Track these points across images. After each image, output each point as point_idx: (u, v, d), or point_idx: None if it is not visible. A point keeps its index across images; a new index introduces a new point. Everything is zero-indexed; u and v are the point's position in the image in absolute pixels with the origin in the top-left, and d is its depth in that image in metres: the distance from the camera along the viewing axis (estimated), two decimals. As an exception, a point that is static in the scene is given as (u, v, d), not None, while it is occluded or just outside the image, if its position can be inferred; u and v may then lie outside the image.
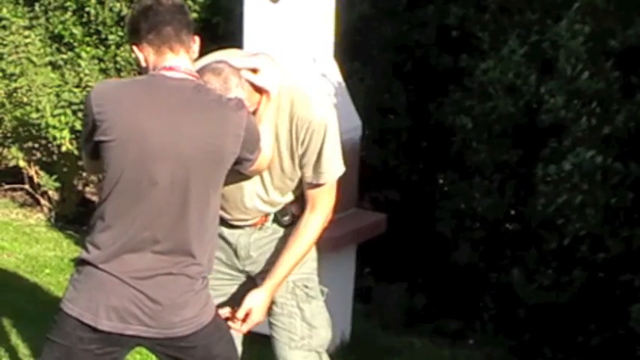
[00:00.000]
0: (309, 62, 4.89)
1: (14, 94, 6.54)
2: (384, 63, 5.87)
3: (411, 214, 5.75)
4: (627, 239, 4.51)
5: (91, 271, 3.01)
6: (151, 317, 3.01)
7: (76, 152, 6.33)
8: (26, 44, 6.55)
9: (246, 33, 4.93)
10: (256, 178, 3.39)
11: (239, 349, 3.54)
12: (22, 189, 6.98)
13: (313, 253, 3.59)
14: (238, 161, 3.11)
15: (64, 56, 6.63)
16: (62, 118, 6.28)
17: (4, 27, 6.65)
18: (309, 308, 3.54)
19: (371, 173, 5.47)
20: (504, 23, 5.21)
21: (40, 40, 6.63)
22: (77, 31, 6.59)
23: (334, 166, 3.45)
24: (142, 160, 2.96)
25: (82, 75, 6.41)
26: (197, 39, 3.13)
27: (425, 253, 5.67)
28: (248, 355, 3.68)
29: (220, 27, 6.10)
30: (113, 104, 2.98)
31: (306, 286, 3.54)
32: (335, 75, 5.00)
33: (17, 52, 6.51)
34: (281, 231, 3.49)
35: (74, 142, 6.29)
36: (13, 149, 6.73)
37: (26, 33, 6.59)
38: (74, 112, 6.24)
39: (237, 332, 3.43)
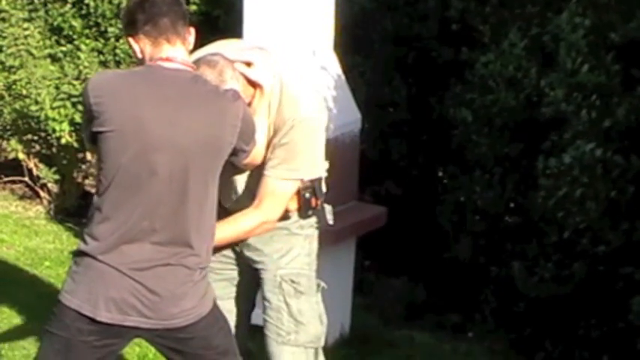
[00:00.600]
0: (309, 55, 4.88)
1: (13, 87, 6.52)
2: (384, 56, 5.86)
3: (412, 208, 5.74)
4: (628, 232, 4.51)
5: (89, 263, 3.01)
6: (150, 308, 3.01)
7: (75, 145, 6.32)
8: (25, 36, 6.53)
9: (246, 26, 4.92)
10: (244, 172, 3.40)
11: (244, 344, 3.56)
12: (21, 181, 6.97)
13: (306, 249, 3.59)
14: (234, 152, 3.12)
15: (64, 49, 6.61)
16: (62, 110, 6.26)
17: (3, 19, 6.63)
18: (297, 303, 3.53)
19: (371, 166, 5.47)
20: (505, 16, 5.20)
21: (40, 33, 6.61)
22: (76, 23, 6.58)
23: (308, 166, 3.43)
24: (142, 151, 2.96)
25: (81, 67, 6.40)
26: (192, 30, 3.14)
27: (425, 246, 5.67)
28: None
29: (220, 20, 6.09)
30: (111, 95, 2.97)
31: (294, 281, 3.54)
32: (335, 68, 4.99)
33: (16, 45, 6.50)
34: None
35: (74, 134, 6.28)
36: (13, 142, 6.71)
37: (25, 25, 6.57)
38: (74, 105, 6.23)
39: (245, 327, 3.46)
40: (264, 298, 3.56)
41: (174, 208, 3.00)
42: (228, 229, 3.38)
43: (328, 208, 3.71)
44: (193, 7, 6.31)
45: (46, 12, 6.70)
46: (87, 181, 6.82)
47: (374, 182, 5.68)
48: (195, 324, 3.07)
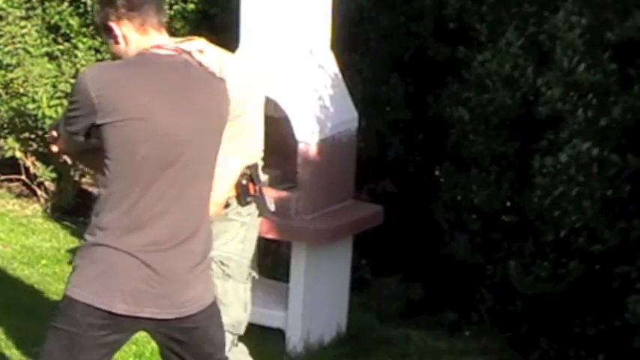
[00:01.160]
0: (306, 54, 4.89)
1: (10, 85, 6.52)
2: (381, 54, 5.86)
3: (408, 206, 5.74)
4: (624, 231, 4.51)
5: (101, 254, 2.99)
6: (163, 296, 3.02)
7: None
8: (23, 35, 6.52)
9: (242, 24, 4.92)
10: None
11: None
12: (18, 180, 6.97)
13: (241, 235, 3.63)
14: None
15: (61, 47, 6.61)
16: (59, 108, 6.26)
17: (0, 17, 6.63)
18: (223, 285, 3.59)
19: (368, 165, 5.47)
20: (502, 15, 5.20)
21: (37, 31, 6.61)
22: (74, 21, 6.57)
23: (247, 146, 3.52)
24: (152, 137, 2.96)
25: (78, 66, 6.39)
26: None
27: (422, 244, 5.67)
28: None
29: (217, 18, 6.08)
30: (114, 86, 2.96)
31: (223, 264, 3.60)
32: (332, 66, 4.99)
33: (14, 43, 6.49)
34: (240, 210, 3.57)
35: (71, 133, 6.28)
36: (10, 140, 6.71)
37: (23, 23, 6.57)
38: (71, 103, 6.22)
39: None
40: None
41: (184, 193, 3.03)
42: None
43: (270, 196, 3.79)
44: (191, 6, 6.31)
45: (44, 10, 6.69)
46: (84, 180, 6.81)
47: (370, 181, 5.68)
48: (200, 313, 3.10)
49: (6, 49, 6.49)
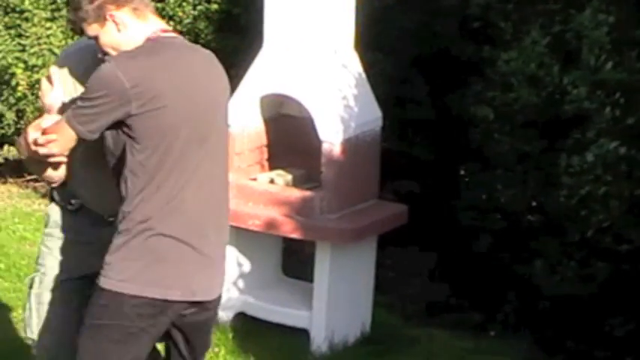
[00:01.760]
0: (330, 53, 4.88)
1: (36, 86, 6.55)
2: (405, 54, 5.85)
3: (432, 205, 5.72)
4: (651, 231, 4.48)
5: (146, 245, 2.99)
6: (208, 277, 3.07)
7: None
8: (48, 36, 6.56)
9: (266, 24, 4.92)
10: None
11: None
12: (44, 180, 6.99)
13: None
14: None
15: (86, 48, 6.63)
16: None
17: (26, 19, 6.67)
18: None
19: (392, 164, 5.45)
20: (527, 13, 5.17)
21: (62, 32, 6.64)
22: (98, 22, 6.59)
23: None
24: (191, 118, 3.00)
25: (103, 66, 6.41)
26: None
27: (446, 244, 5.65)
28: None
29: (241, 18, 6.09)
30: (148, 74, 2.96)
31: None
32: (356, 66, 4.98)
33: (39, 44, 6.53)
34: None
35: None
36: (35, 140, 6.74)
37: (48, 25, 6.60)
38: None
39: None
40: None
41: (218, 173, 3.09)
42: None
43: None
44: (214, 6, 6.32)
45: (68, 11, 6.71)
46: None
47: (394, 180, 5.66)
48: (218, 297, 3.16)
49: (32, 50, 6.53)
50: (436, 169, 5.87)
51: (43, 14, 6.64)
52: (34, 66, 6.55)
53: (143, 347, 3.07)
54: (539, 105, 5.02)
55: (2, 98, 6.79)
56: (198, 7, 6.33)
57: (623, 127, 4.44)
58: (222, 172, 3.13)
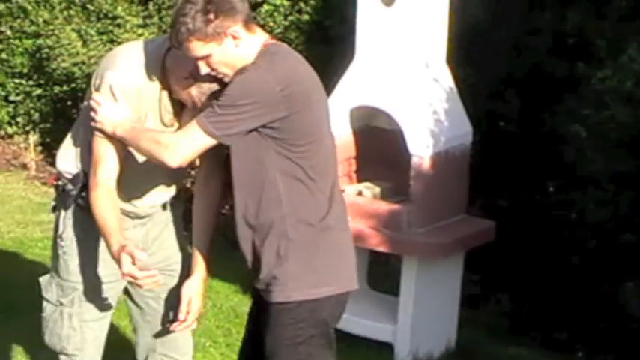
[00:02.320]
0: (422, 67, 4.86)
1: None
2: (497, 69, 5.80)
3: (521, 222, 5.66)
4: None
5: (320, 244, 3.08)
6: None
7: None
8: (140, 43, 6.64)
9: (358, 36, 4.93)
10: None
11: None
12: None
13: None
14: None
15: (177, 55, 6.71)
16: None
17: (118, 25, 6.77)
18: None
19: (481, 180, 5.41)
20: (623, 31, 5.09)
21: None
22: (190, 30, 6.67)
23: None
24: (324, 114, 3.13)
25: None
26: None
27: (534, 261, 5.58)
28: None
29: (332, 29, 6.10)
30: (294, 76, 3.04)
31: None
32: (447, 80, 4.96)
33: (132, 51, 6.61)
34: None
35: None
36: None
37: (140, 31, 6.69)
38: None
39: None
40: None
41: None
42: None
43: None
44: (305, 17, 6.34)
45: (160, 18, 6.81)
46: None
47: (483, 196, 5.62)
48: None
49: (124, 57, 6.61)
50: (526, 186, 5.80)
51: (135, 21, 6.74)
52: (126, 72, 6.64)
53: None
54: (635, 124, 4.94)
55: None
56: (289, 18, 6.36)
57: None
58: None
